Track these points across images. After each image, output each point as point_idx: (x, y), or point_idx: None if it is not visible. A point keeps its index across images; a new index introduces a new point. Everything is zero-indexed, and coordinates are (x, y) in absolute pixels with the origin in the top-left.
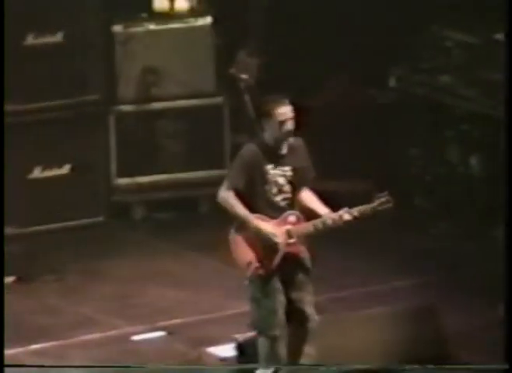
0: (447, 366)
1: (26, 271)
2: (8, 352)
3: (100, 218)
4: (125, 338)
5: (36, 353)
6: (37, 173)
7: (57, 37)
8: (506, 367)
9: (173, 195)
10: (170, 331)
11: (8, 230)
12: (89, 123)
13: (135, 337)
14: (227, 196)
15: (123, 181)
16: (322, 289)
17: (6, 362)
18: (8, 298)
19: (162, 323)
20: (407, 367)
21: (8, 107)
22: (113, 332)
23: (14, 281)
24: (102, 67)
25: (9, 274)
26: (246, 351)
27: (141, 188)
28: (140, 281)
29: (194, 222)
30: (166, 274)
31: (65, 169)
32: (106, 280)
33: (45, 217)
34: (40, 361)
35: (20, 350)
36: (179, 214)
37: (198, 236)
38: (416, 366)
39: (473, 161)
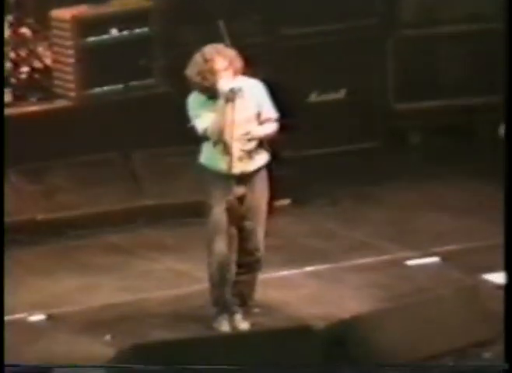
0: (447, 366)
1: (301, 195)
2: (281, 273)
3: (376, 143)
4: (400, 263)
5: (311, 274)
6: (314, 97)
7: None
8: (506, 367)
9: (451, 121)
10: (445, 257)
11: (284, 153)
12: (367, 47)
13: (409, 262)
14: None
15: (400, 106)
16: None
17: None
18: (283, 220)
19: (436, 249)
20: (407, 366)
21: (287, 31)
22: (387, 257)
23: (288, 204)
24: None
25: (284, 197)
26: None
27: (419, 113)
28: (414, 207)
29: (471, 148)
30: (440, 200)
31: (341, 94)
32: (380, 205)
33: (320, 141)
34: (315, 283)
35: (295, 271)
36: (456, 140)
37: (474, 163)
38: (416, 366)
39: None
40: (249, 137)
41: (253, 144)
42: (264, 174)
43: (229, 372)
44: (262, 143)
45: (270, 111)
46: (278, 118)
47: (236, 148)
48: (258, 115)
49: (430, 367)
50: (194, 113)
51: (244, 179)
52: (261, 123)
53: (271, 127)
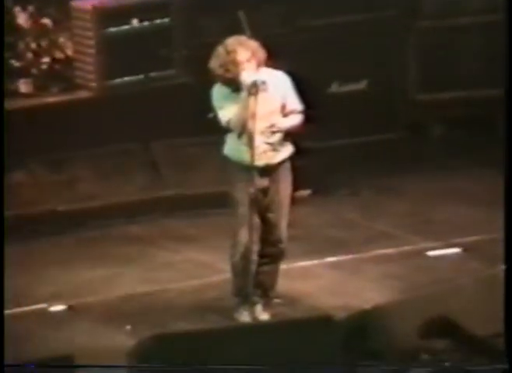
0: (447, 365)
1: (322, 185)
2: (301, 264)
3: (397, 134)
4: (420, 254)
5: (332, 265)
6: (335, 88)
7: None
8: (506, 367)
9: (471, 112)
10: (466, 248)
11: (305, 144)
12: (389, 38)
13: (430, 253)
14: None
15: (422, 97)
16: None
17: None
18: (304, 210)
19: (458, 240)
20: (407, 366)
21: (308, 22)
22: (408, 248)
23: (309, 195)
24: None
25: (305, 188)
26: None
27: (440, 104)
28: (435, 198)
29: (493, 141)
30: (461, 192)
31: (362, 84)
32: (401, 197)
33: (341, 131)
34: (336, 274)
35: (316, 262)
36: (476, 133)
37: (496, 155)
38: (416, 366)
39: None
40: (273, 129)
41: (277, 137)
42: (288, 166)
43: (232, 372)
44: (287, 135)
45: (295, 103)
46: (302, 110)
47: (260, 141)
48: (283, 107)
49: (430, 367)
50: (217, 105)
51: (268, 171)
52: (285, 115)
53: (295, 119)
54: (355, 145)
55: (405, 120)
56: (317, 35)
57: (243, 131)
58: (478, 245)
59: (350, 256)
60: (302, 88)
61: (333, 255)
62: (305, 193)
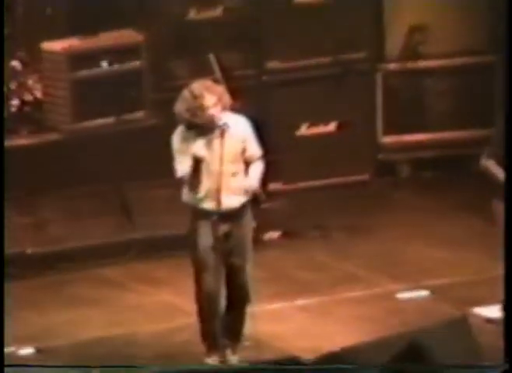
0: (447, 366)
1: (292, 226)
2: (270, 306)
3: (365, 176)
4: (390, 296)
5: (300, 307)
6: (304, 130)
7: None
8: (506, 367)
9: (439, 154)
10: (435, 290)
11: (274, 185)
12: (356, 81)
13: (399, 295)
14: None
15: (389, 139)
16: None
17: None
18: (274, 252)
19: (426, 282)
20: (406, 367)
21: (276, 65)
22: (377, 290)
23: (279, 237)
24: (370, 25)
25: (275, 229)
26: None
27: (407, 146)
28: (405, 239)
29: (460, 181)
30: (431, 233)
31: (332, 126)
32: (370, 238)
33: (310, 173)
34: (305, 316)
35: (286, 304)
36: (445, 173)
37: (463, 196)
38: (416, 366)
39: None
40: (234, 173)
41: (238, 181)
42: (248, 210)
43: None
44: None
45: (255, 148)
46: (262, 155)
47: (223, 185)
48: (244, 152)
49: (430, 367)
50: (175, 154)
51: (230, 215)
52: (245, 159)
53: (259, 169)
54: (325, 187)
55: (374, 162)
56: (285, 77)
57: (195, 188)
58: (447, 287)
59: (320, 298)
60: (271, 130)
61: (302, 297)
62: (274, 234)
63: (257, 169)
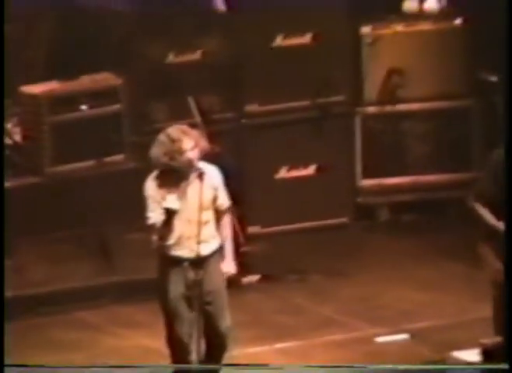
0: (447, 366)
1: (270, 270)
2: (253, 350)
3: (344, 219)
4: (368, 340)
5: (279, 351)
6: (283, 173)
7: (306, 38)
8: (506, 367)
9: (418, 197)
10: (414, 334)
11: (253, 229)
12: (335, 124)
13: (378, 339)
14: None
15: (368, 182)
16: None
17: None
18: (253, 296)
19: (405, 326)
20: (406, 367)
21: (255, 108)
22: (356, 334)
23: (258, 280)
24: (348, 68)
25: (253, 273)
26: (493, 356)
27: (386, 190)
28: (384, 283)
29: (440, 225)
30: (410, 277)
31: (311, 170)
32: (349, 282)
33: (289, 216)
34: (284, 360)
35: (265, 348)
36: (424, 217)
37: (442, 239)
38: (416, 366)
39: None
40: (206, 221)
41: (209, 229)
42: (218, 257)
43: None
44: (216, 227)
45: (224, 198)
46: (229, 207)
47: (196, 232)
48: (214, 201)
49: (430, 367)
50: (148, 201)
51: (201, 262)
52: (215, 208)
53: (227, 223)
54: (304, 230)
55: (353, 205)
56: (264, 120)
57: (166, 236)
58: (426, 330)
59: (299, 342)
60: (249, 173)
61: (281, 341)
62: (254, 278)
63: (228, 245)
